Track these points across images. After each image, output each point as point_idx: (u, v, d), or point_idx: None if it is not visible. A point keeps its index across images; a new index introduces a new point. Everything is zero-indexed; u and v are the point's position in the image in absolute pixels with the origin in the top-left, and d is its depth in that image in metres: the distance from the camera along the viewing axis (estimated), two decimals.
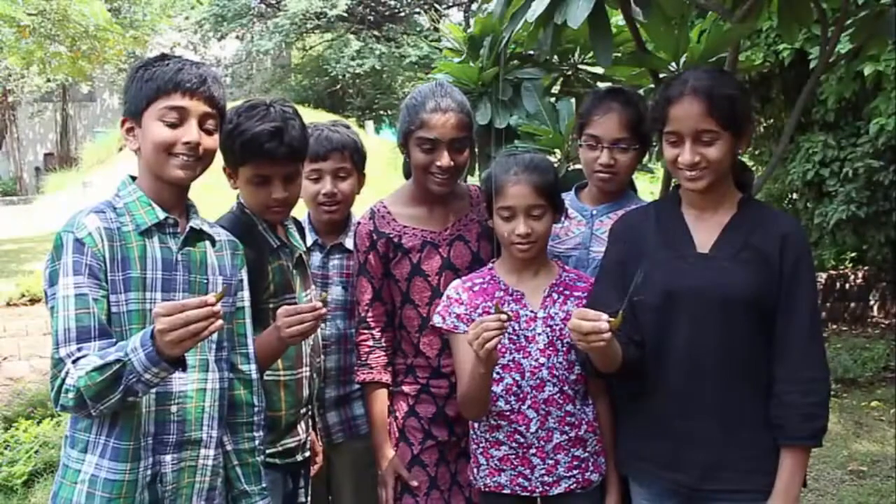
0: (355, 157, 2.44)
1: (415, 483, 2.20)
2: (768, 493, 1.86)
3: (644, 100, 2.36)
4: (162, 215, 1.71)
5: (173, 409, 1.69)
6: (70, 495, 1.64)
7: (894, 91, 6.02)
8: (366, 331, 2.27)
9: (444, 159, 2.15)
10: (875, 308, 8.42)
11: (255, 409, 1.89)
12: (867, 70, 5.78)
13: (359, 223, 2.30)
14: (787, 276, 1.86)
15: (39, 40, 11.99)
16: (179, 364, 1.54)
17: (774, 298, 1.86)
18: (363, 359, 2.26)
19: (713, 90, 1.83)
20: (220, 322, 1.50)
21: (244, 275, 1.90)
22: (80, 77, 14.12)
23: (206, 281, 1.77)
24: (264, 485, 1.90)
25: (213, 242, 1.82)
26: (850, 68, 5.45)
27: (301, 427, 2.17)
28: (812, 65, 5.89)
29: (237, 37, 24.07)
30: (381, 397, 2.25)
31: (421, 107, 2.16)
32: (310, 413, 2.23)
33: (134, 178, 1.76)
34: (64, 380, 1.55)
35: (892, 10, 2.43)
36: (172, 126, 1.67)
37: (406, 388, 2.27)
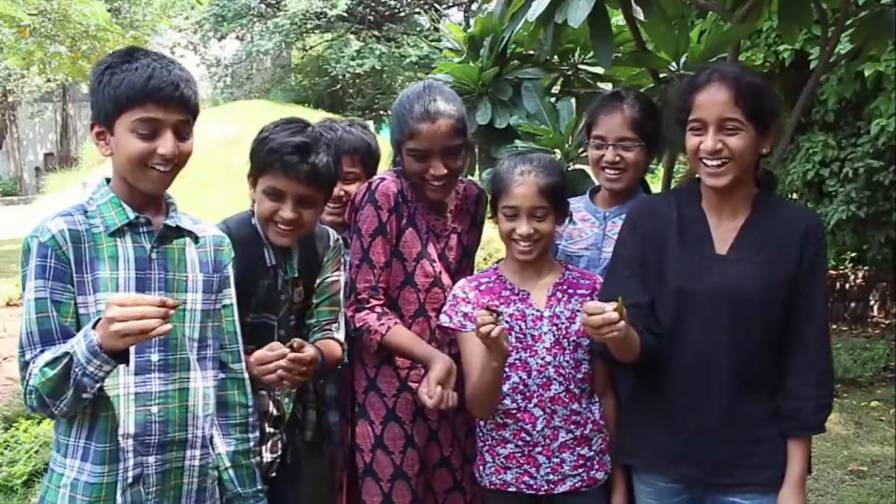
0: (366, 159, 2.39)
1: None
2: (774, 485, 1.89)
3: (652, 101, 2.35)
4: (132, 215, 1.67)
5: (154, 409, 1.66)
6: (54, 499, 1.64)
7: (895, 92, 6.01)
8: (376, 297, 2.17)
9: (438, 168, 2.11)
10: (875, 308, 8.41)
11: (249, 409, 1.85)
12: (867, 70, 5.78)
13: (383, 179, 2.18)
14: (805, 271, 1.87)
15: (39, 40, 12.00)
16: (121, 359, 1.51)
17: (789, 296, 1.87)
18: (381, 319, 2.14)
19: (741, 78, 1.83)
20: (167, 327, 1.46)
21: (230, 271, 1.84)
22: (80, 77, 14.10)
23: (185, 278, 1.73)
24: (259, 487, 1.86)
25: (196, 239, 1.78)
26: (850, 68, 5.45)
27: (265, 448, 2.04)
28: (812, 65, 5.89)
29: (237, 37, 24.07)
30: (404, 329, 2.16)
31: (409, 114, 2.09)
32: (281, 438, 2.09)
33: (108, 180, 1.73)
34: (28, 381, 1.57)
35: (892, 10, 2.44)
36: (146, 137, 1.62)
37: (382, 386, 2.21)
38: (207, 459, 1.76)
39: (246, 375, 1.86)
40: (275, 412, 2.08)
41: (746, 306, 1.86)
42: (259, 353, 1.87)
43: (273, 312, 2.06)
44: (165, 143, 1.62)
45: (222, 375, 1.81)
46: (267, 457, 2.07)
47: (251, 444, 1.85)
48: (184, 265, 1.73)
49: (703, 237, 1.93)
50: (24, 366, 1.59)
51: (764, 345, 1.88)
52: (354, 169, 2.38)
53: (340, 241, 2.21)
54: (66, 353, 1.51)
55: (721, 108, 1.82)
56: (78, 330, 1.58)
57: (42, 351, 1.57)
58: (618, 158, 2.23)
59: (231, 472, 1.81)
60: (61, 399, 1.54)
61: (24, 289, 1.63)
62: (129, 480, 1.63)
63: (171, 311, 1.47)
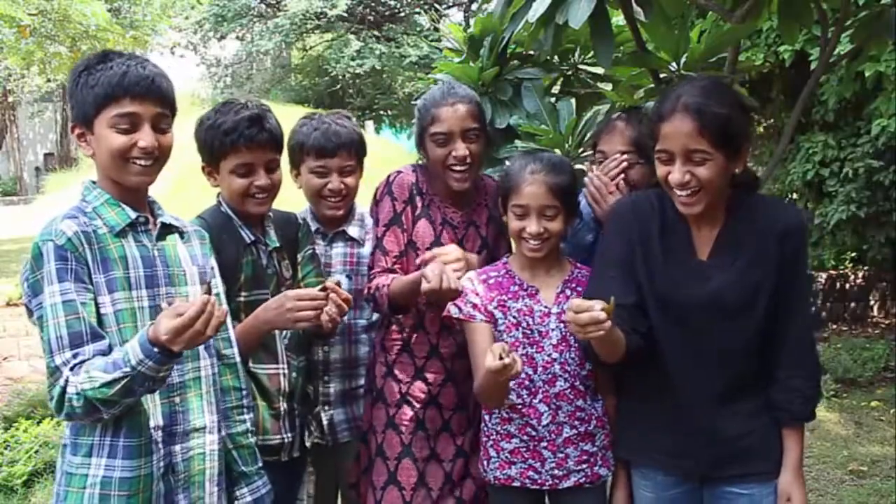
0: (360, 152, 2.44)
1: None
2: (770, 473, 1.94)
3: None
4: (133, 215, 1.71)
5: (177, 399, 1.73)
6: (80, 501, 1.65)
7: (895, 92, 6.01)
8: (389, 273, 2.24)
9: (460, 149, 2.21)
10: (875, 308, 8.41)
11: (243, 391, 1.93)
12: (868, 71, 5.78)
13: (399, 172, 2.33)
14: (786, 267, 1.87)
15: (39, 40, 12.02)
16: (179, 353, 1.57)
17: (772, 295, 1.88)
18: (387, 277, 2.20)
19: (705, 108, 1.76)
20: (224, 308, 1.57)
21: (214, 262, 1.92)
22: None
23: (183, 272, 1.79)
24: (260, 465, 1.94)
25: (182, 234, 1.83)
26: (850, 69, 5.45)
27: (284, 426, 2.16)
28: (812, 65, 5.89)
29: (237, 37, 24.07)
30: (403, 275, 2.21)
31: (431, 104, 2.25)
32: (297, 413, 2.21)
33: (94, 182, 1.75)
34: (64, 388, 1.56)
35: (892, 11, 2.43)
36: (126, 131, 1.66)
37: (398, 372, 2.29)
38: (222, 443, 1.83)
39: (238, 360, 1.93)
40: (287, 388, 2.16)
41: (728, 311, 1.88)
42: (298, 291, 2.00)
43: (264, 287, 2.14)
44: (145, 136, 1.67)
45: (218, 362, 1.87)
46: (287, 437, 2.16)
47: (248, 424, 1.93)
48: (179, 260, 1.79)
49: (684, 243, 1.94)
50: (55, 371, 1.58)
51: (751, 344, 1.91)
52: (351, 162, 2.40)
53: (307, 220, 2.41)
54: (126, 375, 1.52)
55: (686, 140, 1.77)
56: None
57: (74, 355, 1.57)
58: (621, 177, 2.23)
59: (234, 452, 1.89)
60: (118, 407, 1.57)
61: (34, 293, 1.63)
62: (161, 471, 1.69)
63: (214, 299, 1.53)
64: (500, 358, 1.81)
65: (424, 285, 1.98)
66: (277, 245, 2.20)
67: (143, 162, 1.68)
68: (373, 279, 2.27)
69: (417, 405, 2.28)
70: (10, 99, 22.34)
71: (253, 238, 2.15)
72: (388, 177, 2.33)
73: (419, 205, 2.29)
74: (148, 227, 1.75)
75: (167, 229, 1.80)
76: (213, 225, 2.08)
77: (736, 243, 1.90)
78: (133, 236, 1.71)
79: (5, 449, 4.35)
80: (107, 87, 1.64)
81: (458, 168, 2.23)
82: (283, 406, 2.15)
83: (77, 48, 12.33)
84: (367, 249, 2.42)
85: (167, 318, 1.50)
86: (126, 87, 1.65)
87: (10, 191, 22.88)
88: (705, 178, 1.79)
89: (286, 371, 2.17)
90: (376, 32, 22.65)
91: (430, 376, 2.28)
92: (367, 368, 2.41)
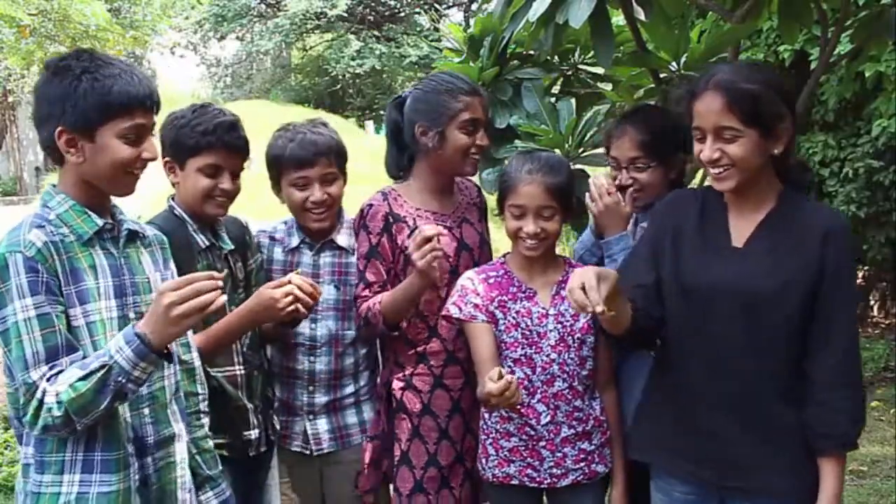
0: (339, 159, 2.40)
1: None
2: (795, 494, 1.83)
3: (666, 117, 2.30)
4: (100, 222, 1.66)
5: (146, 411, 1.69)
6: None
7: (895, 92, 6.01)
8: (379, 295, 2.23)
9: (485, 139, 2.25)
10: (875, 308, 8.40)
11: (200, 396, 1.92)
12: (868, 71, 5.78)
13: (371, 205, 2.27)
14: (828, 275, 1.79)
15: (40, 40, 12.00)
16: (165, 356, 1.56)
17: (808, 297, 1.80)
18: (377, 297, 2.20)
19: (735, 85, 1.77)
20: (223, 298, 1.53)
21: (174, 267, 1.89)
22: None
23: (147, 280, 1.75)
24: (221, 469, 1.94)
25: (143, 239, 1.80)
26: (850, 69, 5.46)
27: (252, 422, 2.23)
28: (812, 65, 5.89)
29: (237, 37, 24.10)
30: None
31: (459, 91, 2.21)
32: (259, 410, 2.27)
33: (55, 186, 1.69)
34: (42, 400, 1.51)
35: (892, 11, 2.44)
36: (133, 143, 1.64)
37: (418, 383, 2.27)
38: (188, 450, 1.82)
39: (197, 364, 1.92)
40: (246, 387, 2.23)
41: (759, 300, 1.81)
42: (277, 288, 2.04)
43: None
44: (150, 148, 1.67)
45: (178, 368, 1.84)
46: (254, 433, 2.24)
47: (206, 429, 1.93)
48: (142, 267, 1.76)
49: (720, 229, 1.91)
50: (31, 386, 1.53)
51: (780, 345, 1.82)
52: (331, 169, 2.35)
53: (294, 230, 2.43)
54: (103, 366, 1.49)
55: (716, 117, 1.78)
56: None
57: (51, 367, 1.53)
58: (631, 181, 2.24)
59: (199, 457, 1.88)
60: (91, 413, 1.52)
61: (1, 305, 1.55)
62: (137, 484, 1.66)
63: (219, 283, 1.51)
64: (500, 377, 1.83)
65: (414, 239, 2.03)
66: (232, 248, 2.23)
67: (139, 173, 1.68)
68: (361, 305, 2.24)
69: (440, 416, 2.26)
70: (10, 99, 22.35)
71: (208, 243, 2.15)
72: (362, 210, 2.28)
73: (404, 228, 2.23)
74: (113, 234, 1.71)
75: (131, 235, 1.76)
76: (167, 230, 2.03)
77: (775, 234, 1.85)
78: (100, 244, 1.67)
79: (5, 449, 4.35)
80: (118, 97, 1.60)
81: (476, 157, 2.26)
82: (247, 404, 2.21)
83: (77, 48, 12.31)
84: (356, 258, 2.36)
85: (167, 282, 1.52)
86: (141, 100, 1.63)
87: (10, 191, 22.88)
88: (737, 155, 1.78)
89: (243, 371, 2.21)
90: (376, 32, 22.67)
91: (449, 382, 2.26)
92: (381, 379, 2.38)
